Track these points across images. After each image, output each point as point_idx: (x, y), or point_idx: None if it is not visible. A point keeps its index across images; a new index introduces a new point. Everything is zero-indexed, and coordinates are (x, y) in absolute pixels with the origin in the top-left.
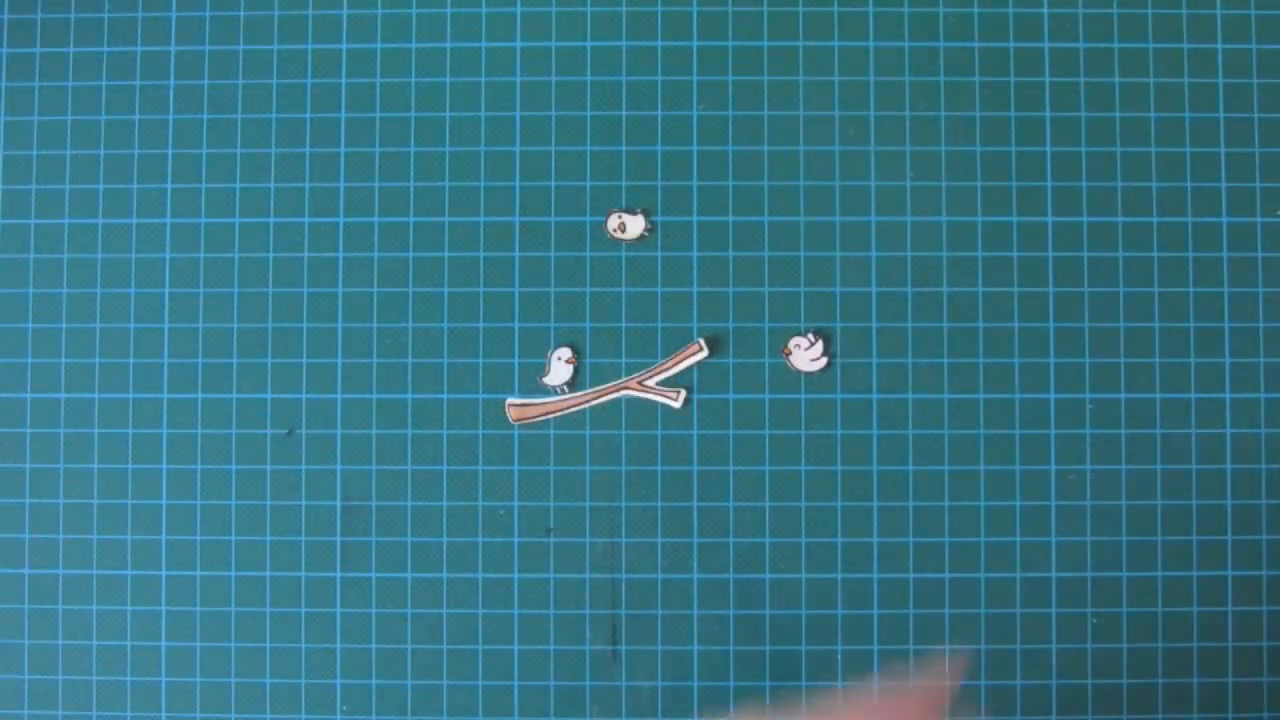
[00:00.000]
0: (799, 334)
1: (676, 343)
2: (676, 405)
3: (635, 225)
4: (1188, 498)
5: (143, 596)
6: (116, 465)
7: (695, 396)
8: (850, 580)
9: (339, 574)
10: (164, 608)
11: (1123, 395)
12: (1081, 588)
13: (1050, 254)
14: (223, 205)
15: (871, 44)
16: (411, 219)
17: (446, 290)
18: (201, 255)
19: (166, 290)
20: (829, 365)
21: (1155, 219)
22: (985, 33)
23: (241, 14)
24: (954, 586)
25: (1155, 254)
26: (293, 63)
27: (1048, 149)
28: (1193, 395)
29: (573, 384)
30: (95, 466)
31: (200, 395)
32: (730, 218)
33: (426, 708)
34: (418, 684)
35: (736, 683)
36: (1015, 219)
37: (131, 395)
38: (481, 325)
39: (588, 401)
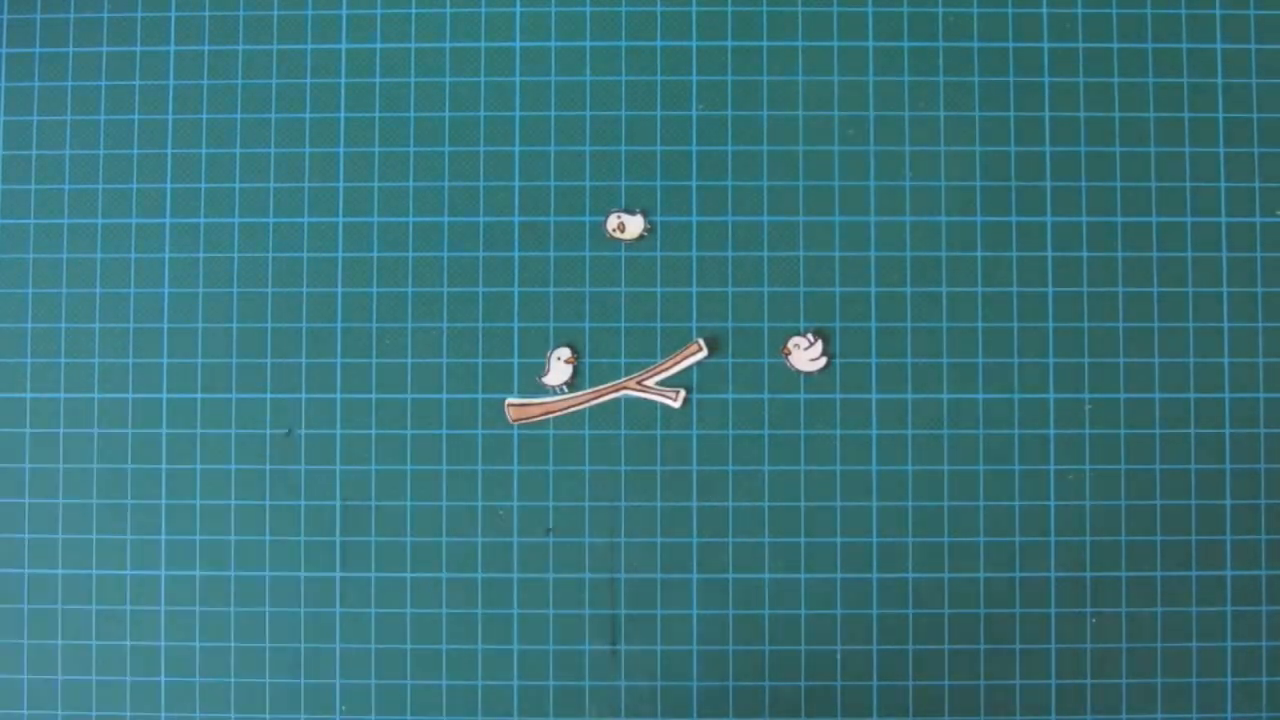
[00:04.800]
0: (798, 334)
1: (676, 343)
2: (676, 405)
3: (634, 225)
4: (1187, 498)
5: (142, 596)
6: (116, 465)
7: (694, 396)
8: (849, 580)
9: (338, 574)
10: (163, 607)
11: (1122, 395)
12: (1081, 588)
13: (1049, 254)
14: (222, 205)
15: (871, 44)
16: (411, 219)
17: (446, 290)
18: (201, 255)
19: (166, 290)
20: (828, 365)
21: (1154, 219)
22: (984, 33)
23: (241, 14)
24: (953, 586)
25: (1154, 254)
26: (292, 63)
27: (1047, 149)
28: (1191, 395)
29: (572, 384)
30: (94, 466)
31: (199, 395)
32: (729, 218)
33: (426, 708)
34: (417, 684)
35: (735, 683)
36: (1014, 219)
37: (131, 395)
38: (481, 325)
39: (587, 401)
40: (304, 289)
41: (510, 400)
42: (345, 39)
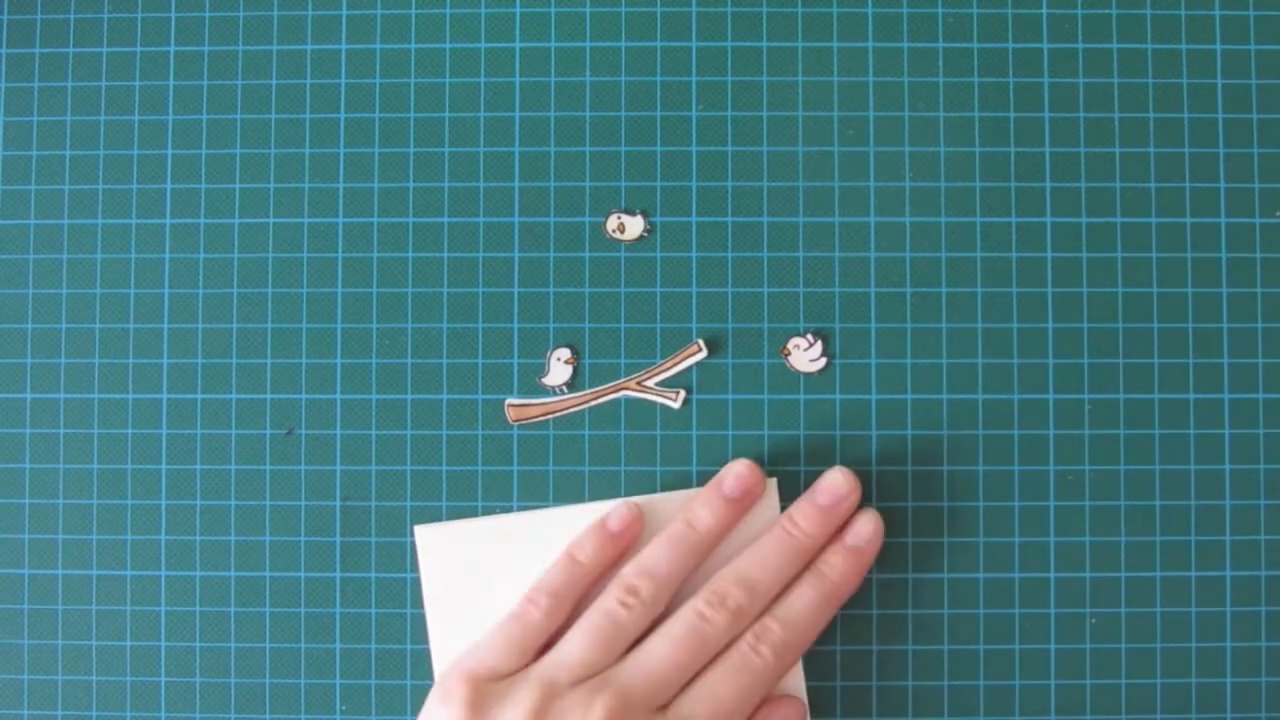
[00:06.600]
0: (798, 334)
1: (675, 343)
2: (675, 406)
3: (634, 226)
4: (1186, 498)
5: (142, 597)
6: (116, 465)
7: (694, 397)
8: None
9: (338, 574)
10: (163, 608)
11: (1121, 396)
12: (1080, 588)
13: (1049, 254)
14: (222, 206)
15: (870, 44)
16: (411, 219)
17: (446, 290)
18: (200, 255)
19: (166, 290)
20: (828, 366)
21: (1154, 219)
22: (984, 33)
23: (241, 14)
24: (952, 586)
25: (1154, 254)
26: (292, 63)
27: (1046, 149)
28: (1191, 395)
29: (572, 384)
30: (94, 467)
31: (199, 395)
32: (729, 218)
33: None
34: (416, 684)
35: None
36: (1014, 219)
37: (131, 396)
38: (481, 325)
39: (587, 402)
40: (304, 289)
41: (510, 401)
42: (345, 39)
